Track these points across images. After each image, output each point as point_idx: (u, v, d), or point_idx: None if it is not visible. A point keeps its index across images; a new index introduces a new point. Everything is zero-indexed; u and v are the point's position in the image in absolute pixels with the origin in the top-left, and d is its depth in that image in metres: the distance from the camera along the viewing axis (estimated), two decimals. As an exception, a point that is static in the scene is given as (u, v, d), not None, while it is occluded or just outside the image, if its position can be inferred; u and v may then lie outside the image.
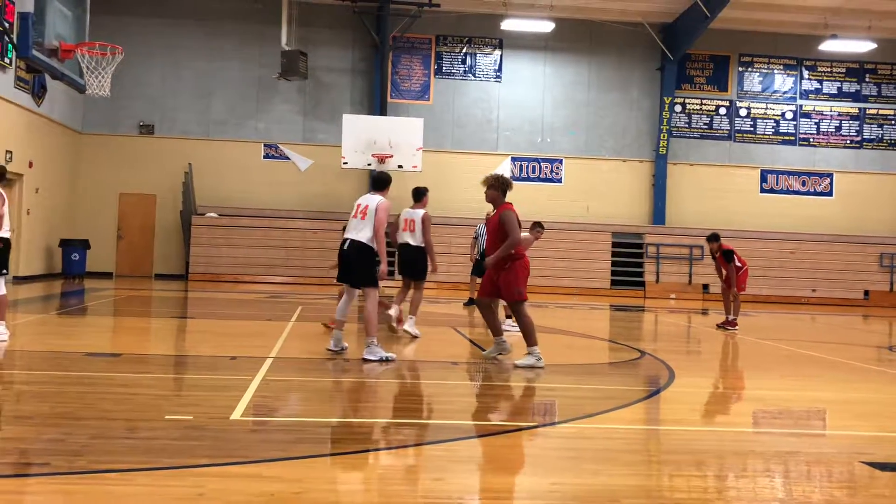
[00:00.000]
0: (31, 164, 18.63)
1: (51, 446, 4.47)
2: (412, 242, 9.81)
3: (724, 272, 13.14)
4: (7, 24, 16.02)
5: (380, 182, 8.47)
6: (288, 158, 22.81)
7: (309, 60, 21.88)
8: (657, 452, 5.15)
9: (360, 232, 7.96)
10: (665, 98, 23.72)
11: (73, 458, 4.20)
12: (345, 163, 19.85)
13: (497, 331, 8.38)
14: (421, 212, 9.87)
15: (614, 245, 23.26)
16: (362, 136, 19.73)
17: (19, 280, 17.89)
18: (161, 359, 8.12)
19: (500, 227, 7.97)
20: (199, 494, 3.73)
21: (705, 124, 24.44)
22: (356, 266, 7.97)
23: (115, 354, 7.95)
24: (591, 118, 24.01)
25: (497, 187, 8.18)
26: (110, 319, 12.33)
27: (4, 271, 8.29)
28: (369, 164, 19.84)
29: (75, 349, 8.09)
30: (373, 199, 8.06)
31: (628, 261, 23.33)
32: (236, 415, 5.38)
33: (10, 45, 16.74)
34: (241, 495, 3.74)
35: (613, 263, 23.27)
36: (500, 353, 8.33)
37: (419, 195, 10.05)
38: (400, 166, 19.62)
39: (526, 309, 8.02)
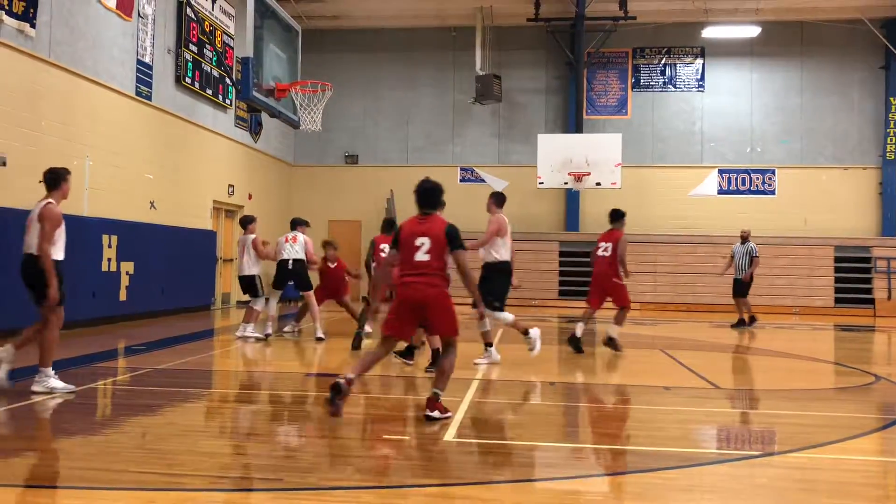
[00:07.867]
0: (250, 196, 20.21)
1: (284, 463, 4.70)
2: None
3: None
4: (227, 69, 17.51)
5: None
6: (483, 181, 23.14)
7: (503, 83, 22.15)
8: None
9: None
10: (892, 98, 21.65)
11: (305, 475, 4.40)
12: (541, 183, 19.79)
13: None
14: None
15: (837, 260, 21.36)
16: (558, 155, 19.57)
17: (242, 304, 19.35)
18: (376, 378, 8.36)
19: None
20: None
21: (940, 124, 22.00)
22: None
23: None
24: (807, 125, 22.37)
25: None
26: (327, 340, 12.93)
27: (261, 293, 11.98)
28: (566, 183, 19.66)
29: (297, 370, 8.55)
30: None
31: (854, 276, 21.36)
32: (448, 436, 5.42)
33: (230, 88, 18.29)
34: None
35: (837, 280, 21.39)
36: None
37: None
38: (598, 184, 19.27)
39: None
